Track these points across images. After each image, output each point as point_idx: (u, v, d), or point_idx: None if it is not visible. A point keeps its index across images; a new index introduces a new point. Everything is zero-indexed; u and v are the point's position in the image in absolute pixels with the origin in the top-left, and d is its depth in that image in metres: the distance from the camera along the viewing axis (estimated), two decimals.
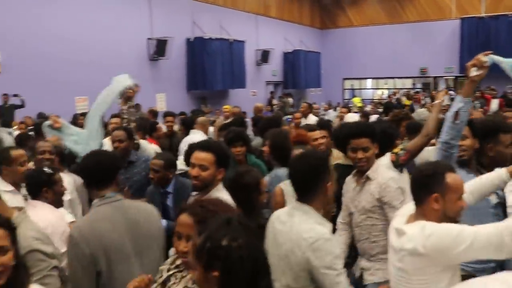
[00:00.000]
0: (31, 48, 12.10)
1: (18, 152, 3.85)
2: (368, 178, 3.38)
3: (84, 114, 10.35)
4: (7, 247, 1.96)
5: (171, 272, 2.22)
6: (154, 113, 9.96)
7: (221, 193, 2.93)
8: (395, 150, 3.86)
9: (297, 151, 3.74)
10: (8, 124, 9.86)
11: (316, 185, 2.56)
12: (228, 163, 3.17)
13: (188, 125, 7.30)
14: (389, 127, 4.37)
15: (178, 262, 2.21)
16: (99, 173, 2.69)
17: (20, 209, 2.57)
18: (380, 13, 23.97)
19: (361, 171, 3.42)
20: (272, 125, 5.59)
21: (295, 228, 2.55)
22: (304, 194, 2.60)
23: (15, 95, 11.53)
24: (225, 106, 10.44)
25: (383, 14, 23.89)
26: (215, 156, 3.02)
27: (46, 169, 3.29)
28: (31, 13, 12.28)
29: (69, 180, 4.09)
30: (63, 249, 2.76)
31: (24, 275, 2.02)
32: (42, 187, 3.18)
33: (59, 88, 12.51)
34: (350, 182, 3.59)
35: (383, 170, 3.40)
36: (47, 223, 2.81)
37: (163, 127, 7.72)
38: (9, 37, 11.82)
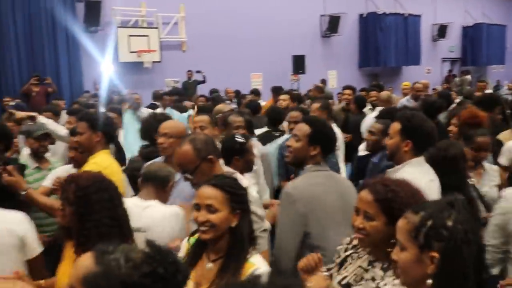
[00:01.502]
0: (212, 28, 12.81)
1: (199, 118, 4.05)
2: None
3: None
4: (215, 207, 2.00)
5: (348, 253, 2.14)
6: (320, 89, 9.83)
7: (414, 168, 2.75)
8: None
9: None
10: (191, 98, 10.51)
11: None
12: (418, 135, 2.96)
13: (360, 103, 7.03)
14: None
15: (356, 241, 2.11)
16: (329, 141, 2.81)
17: (232, 173, 2.64)
18: None
19: None
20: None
21: None
22: None
23: (198, 72, 12.35)
24: (404, 83, 9.93)
25: None
26: (401, 125, 2.85)
27: (238, 137, 3.33)
28: None
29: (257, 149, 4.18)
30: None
31: (246, 240, 2.05)
32: (234, 156, 3.25)
33: (237, 65, 13.12)
34: None
35: None
36: None
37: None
38: (194, 18, 12.65)
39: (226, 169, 2.71)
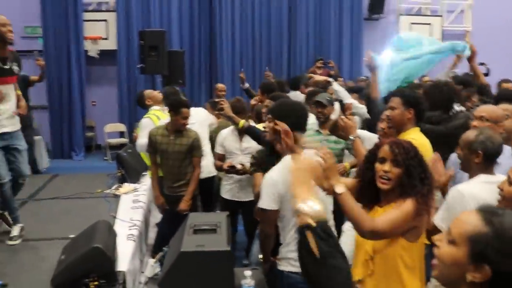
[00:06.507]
0: (500, 17, 11.85)
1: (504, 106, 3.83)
2: None
3: None
4: None
5: None
6: None
7: None
8: None
9: None
10: None
11: None
12: None
13: None
14: None
15: None
16: None
17: None
18: None
19: None
20: None
21: None
22: None
23: (481, 64, 11.50)
24: None
25: None
26: None
27: None
28: None
29: None
30: None
31: None
32: None
33: None
34: None
35: None
36: None
37: None
38: (482, 6, 11.86)
39: None
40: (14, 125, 4.07)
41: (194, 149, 4.66)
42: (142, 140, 5.17)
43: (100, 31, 10.69)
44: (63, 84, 10.55)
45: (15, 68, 4.00)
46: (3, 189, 3.96)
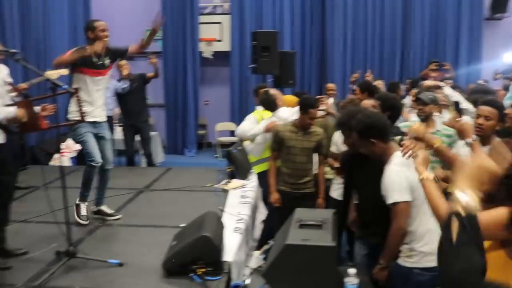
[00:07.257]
0: None
1: None
2: None
3: None
4: None
5: None
6: None
7: None
8: None
9: None
10: None
11: None
12: None
13: None
14: None
15: None
16: None
17: None
18: None
19: None
20: None
21: None
22: None
23: None
24: None
25: None
26: None
27: None
28: None
29: None
30: None
31: None
32: None
33: None
34: None
35: None
36: None
37: None
38: None
39: None
40: (102, 117, 4.48)
41: (321, 147, 4.85)
42: (243, 126, 5.59)
43: (214, 33, 11.09)
44: (179, 84, 11.10)
45: (107, 62, 4.42)
46: (93, 170, 4.31)
